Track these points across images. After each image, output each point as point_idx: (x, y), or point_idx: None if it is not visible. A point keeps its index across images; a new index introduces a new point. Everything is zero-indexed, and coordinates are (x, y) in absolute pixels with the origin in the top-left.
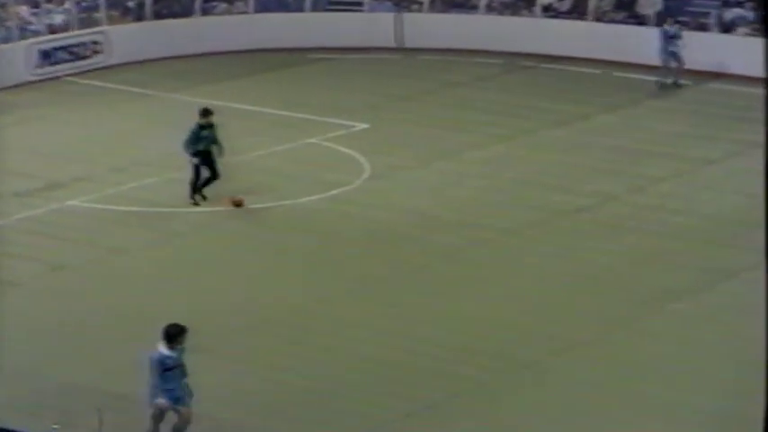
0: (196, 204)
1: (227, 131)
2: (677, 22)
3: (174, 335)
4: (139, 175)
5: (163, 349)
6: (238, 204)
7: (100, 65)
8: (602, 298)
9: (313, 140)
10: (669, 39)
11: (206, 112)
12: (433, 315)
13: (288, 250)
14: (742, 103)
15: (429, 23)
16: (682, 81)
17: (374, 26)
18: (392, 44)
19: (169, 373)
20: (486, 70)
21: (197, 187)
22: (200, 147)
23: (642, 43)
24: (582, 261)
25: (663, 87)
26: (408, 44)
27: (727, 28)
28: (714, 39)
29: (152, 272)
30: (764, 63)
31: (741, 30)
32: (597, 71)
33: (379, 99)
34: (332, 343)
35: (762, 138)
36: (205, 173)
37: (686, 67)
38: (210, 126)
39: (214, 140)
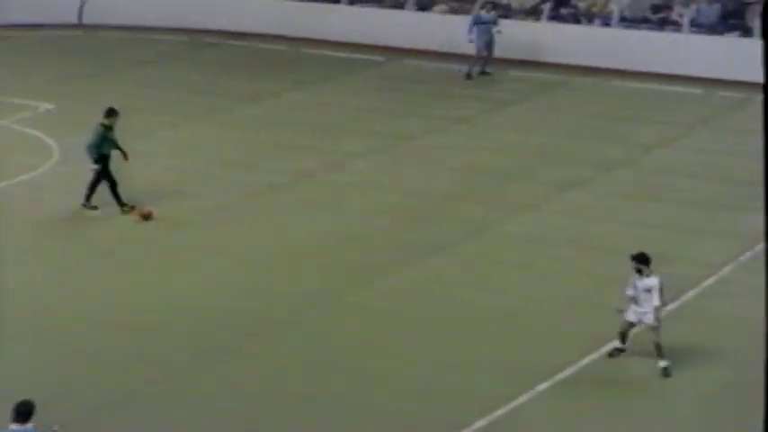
0: (94, 208)
1: None
2: (494, 7)
3: (29, 412)
4: None
5: (18, 427)
6: (147, 217)
7: None
8: (302, 276)
9: (2, 123)
10: (482, 25)
11: (112, 112)
12: (119, 299)
13: None
14: (436, 79)
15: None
16: (489, 69)
17: (52, 2)
18: (73, 20)
19: None
20: (169, 48)
21: (114, 196)
22: (105, 150)
23: (329, 21)
24: (281, 240)
25: (470, 77)
26: (87, 20)
27: (423, 6)
28: (411, 17)
29: None
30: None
31: (438, 8)
32: (285, 48)
33: (63, 78)
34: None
35: (459, 113)
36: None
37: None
38: (112, 127)
39: (116, 143)
